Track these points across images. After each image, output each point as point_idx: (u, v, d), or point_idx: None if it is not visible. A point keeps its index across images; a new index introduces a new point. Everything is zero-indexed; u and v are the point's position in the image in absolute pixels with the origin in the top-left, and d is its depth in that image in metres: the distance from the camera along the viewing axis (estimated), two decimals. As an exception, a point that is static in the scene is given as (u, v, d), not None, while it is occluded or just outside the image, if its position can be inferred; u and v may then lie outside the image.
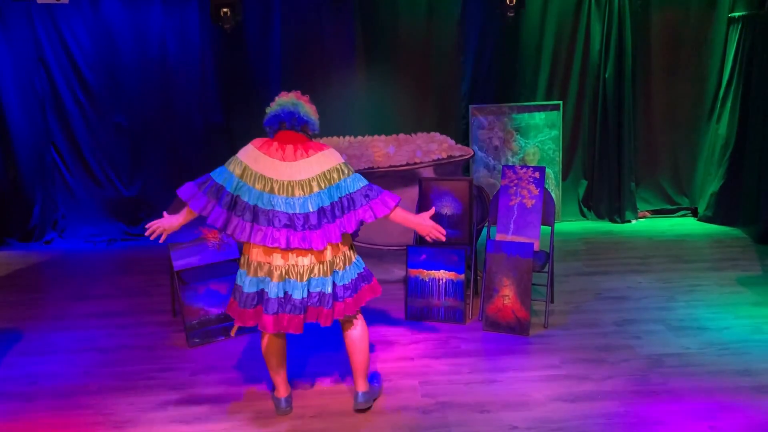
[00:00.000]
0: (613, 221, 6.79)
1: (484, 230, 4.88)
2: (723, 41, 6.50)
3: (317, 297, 2.98)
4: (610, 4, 6.45)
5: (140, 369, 3.78)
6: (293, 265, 2.96)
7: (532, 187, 4.33)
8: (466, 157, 5.22)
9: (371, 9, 6.42)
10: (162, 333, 4.28)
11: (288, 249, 2.93)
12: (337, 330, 3.69)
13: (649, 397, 3.28)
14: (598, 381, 3.47)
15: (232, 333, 4.00)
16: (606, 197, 6.82)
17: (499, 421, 3.12)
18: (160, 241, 3.11)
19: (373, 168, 4.84)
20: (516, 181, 4.37)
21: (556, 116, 6.70)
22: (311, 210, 2.94)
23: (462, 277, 4.31)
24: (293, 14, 6.34)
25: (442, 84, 6.67)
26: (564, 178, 6.88)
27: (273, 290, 2.95)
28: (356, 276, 3.10)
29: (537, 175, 4.35)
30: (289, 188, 2.95)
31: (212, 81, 6.43)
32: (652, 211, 6.98)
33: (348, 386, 3.46)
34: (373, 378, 3.49)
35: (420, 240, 4.42)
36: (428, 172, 4.93)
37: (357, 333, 3.18)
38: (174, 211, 3.14)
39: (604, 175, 6.76)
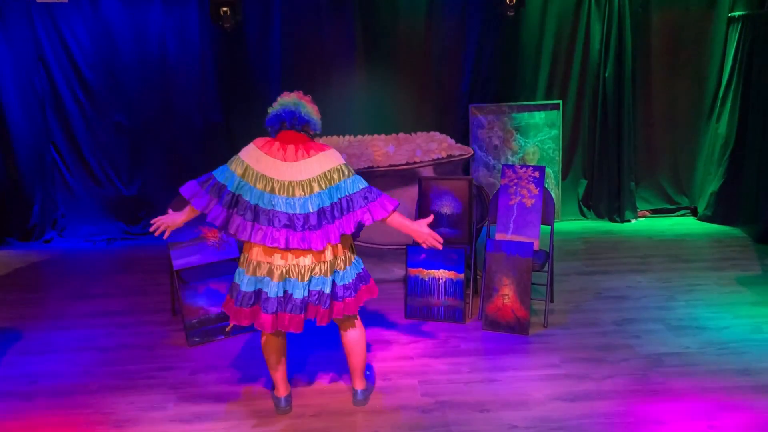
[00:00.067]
0: (613, 221, 6.79)
1: (484, 229, 4.88)
2: (723, 41, 6.50)
3: (317, 295, 2.99)
4: (610, 3, 6.44)
5: (140, 368, 3.78)
6: (294, 265, 2.97)
7: (532, 186, 4.33)
8: (466, 156, 5.22)
9: (371, 8, 6.42)
10: (162, 332, 4.28)
11: (287, 249, 2.94)
12: (337, 329, 3.70)
13: (648, 397, 3.29)
14: (598, 380, 3.47)
15: (228, 330, 4.00)
16: (606, 197, 6.82)
17: (498, 420, 3.12)
18: (164, 237, 3.17)
19: (372, 167, 4.84)
20: (516, 181, 4.37)
21: (556, 115, 6.70)
22: (311, 210, 2.94)
23: (462, 276, 4.32)
24: (293, 13, 6.33)
25: (442, 83, 6.66)
26: (564, 178, 6.88)
27: (273, 290, 2.96)
28: (355, 276, 3.10)
29: (537, 174, 4.35)
30: (290, 188, 2.95)
31: (212, 80, 6.43)
32: (651, 210, 6.98)
33: (348, 385, 3.46)
34: (369, 374, 3.51)
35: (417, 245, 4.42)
36: (428, 172, 4.93)
37: (355, 334, 3.21)
38: (177, 208, 3.15)
39: (604, 175, 6.76)
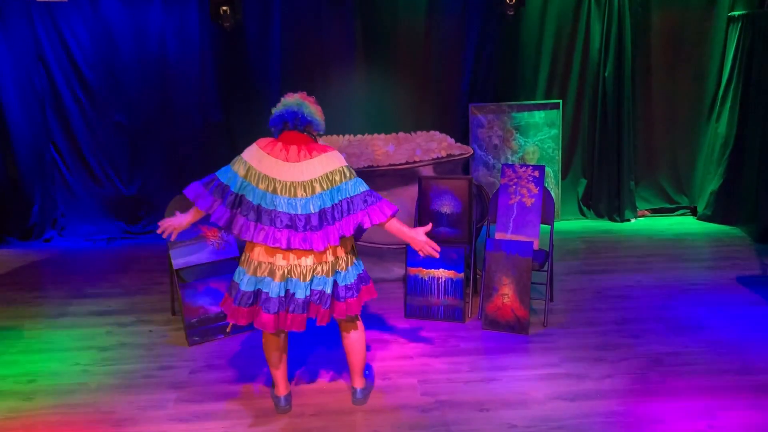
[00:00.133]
0: (613, 220, 6.79)
1: (484, 229, 4.88)
2: (723, 40, 6.50)
3: (318, 295, 3.00)
4: (610, 2, 6.44)
5: (139, 367, 3.78)
6: (296, 266, 2.97)
7: (532, 185, 4.33)
8: (466, 155, 5.22)
9: (371, 7, 6.42)
10: (161, 331, 4.28)
11: (289, 249, 2.94)
12: (337, 328, 3.70)
13: (648, 396, 3.29)
14: (598, 380, 3.47)
15: (228, 330, 4.00)
16: (605, 196, 6.82)
17: (498, 419, 3.12)
18: (172, 239, 3.22)
19: (372, 166, 4.84)
20: (515, 180, 4.37)
21: (556, 115, 6.70)
22: (312, 211, 2.95)
23: (461, 275, 4.32)
24: (293, 12, 6.33)
25: (442, 82, 6.67)
26: (563, 177, 6.88)
27: (274, 290, 2.96)
28: (356, 277, 3.11)
29: (536, 173, 4.35)
30: (292, 189, 2.96)
31: (212, 79, 6.42)
32: (651, 209, 6.98)
33: (347, 384, 3.46)
34: (368, 373, 3.51)
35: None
36: (428, 171, 4.93)
37: (355, 334, 3.23)
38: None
39: (604, 174, 6.76)
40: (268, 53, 6.40)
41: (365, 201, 2.97)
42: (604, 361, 3.68)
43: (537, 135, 6.74)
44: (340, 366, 3.67)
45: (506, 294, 4.10)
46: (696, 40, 6.60)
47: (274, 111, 3.11)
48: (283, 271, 2.97)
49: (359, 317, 3.22)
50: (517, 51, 6.59)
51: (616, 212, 6.78)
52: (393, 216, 3.00)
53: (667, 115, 6.77)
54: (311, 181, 2.97)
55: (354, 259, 3.14)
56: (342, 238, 2.98)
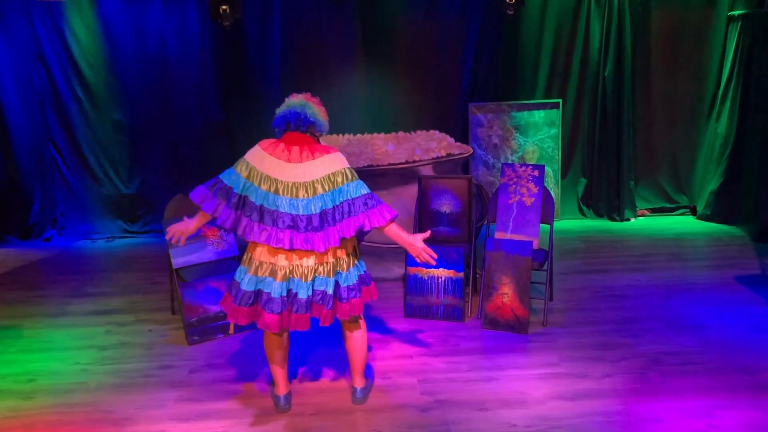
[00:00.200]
0: (612, 219, 6.80)
1: (483, 228, 4.88)
2: (722, 40, 6.51)
3: (320, 295, 3.01)
4: (610, 2, 6.44)
5: (139, 366, 3.78)
6: (297, 266, 2.98)
7: (532, 185, 4.33)
8: (466, 155, 5.22)
9: (371, 7, 6.42)
10: (161, 330, 4.28)
11: (291, 249, 2.95)
12: (336, 328, 3.69)
13: (647, 395, 3.29)
14: (597, 379, 3.47)
15: (231, 330, 4.01)
16: (605, 195, 6.82)
17: (498, 419, 3.12)
18: (180, 244, 3.25)
19: (372, 166, 4.84)
20: (515, 180, 4.37)
21: (556, 114, 6.70)
22: (314, 212, 2.95)
23: (461, 275, 4.32)
24: (293, 12, 6.33)
25: (442, 82, 6.67)
26: (563, 177, 6.88)
27: (276, 290, 2.96)
28: (358, 278, 3.12)
29: (536, 173, 4.35)
30: (294, 189, 2.96)
31: (211, 79, 6.43)
32: (651, 209, 6.99)
33: (347, 383, 3.46)
34: (368, 372, 3.51)
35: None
36: (427, 170, 4.93)
37: (358, 333, 3.24)
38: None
39: (604, 174, 6.77)
40: (268, 53, 6.40)
41: (366, 204, 2.97)
42: (603, 360, 3.68)
43: (537, 134, 6.74)
44: (340, 365, 3.67)
45: (506, 293, 4.10)
46: (696, 39, 6.60)
47: (278, 112, 3.12)
48: (285, 272, 2.98)
49: (362, 317, 3.23)
50: (516, 50, 6.60)
51: (616, 212, 6.79)
52: (392, 221, 3.01)
53: (666, 115, 6.78)
54: (313, 182, 2.97)
55: (355, 261, 3.14)
56: (343, 239, 2.98)
